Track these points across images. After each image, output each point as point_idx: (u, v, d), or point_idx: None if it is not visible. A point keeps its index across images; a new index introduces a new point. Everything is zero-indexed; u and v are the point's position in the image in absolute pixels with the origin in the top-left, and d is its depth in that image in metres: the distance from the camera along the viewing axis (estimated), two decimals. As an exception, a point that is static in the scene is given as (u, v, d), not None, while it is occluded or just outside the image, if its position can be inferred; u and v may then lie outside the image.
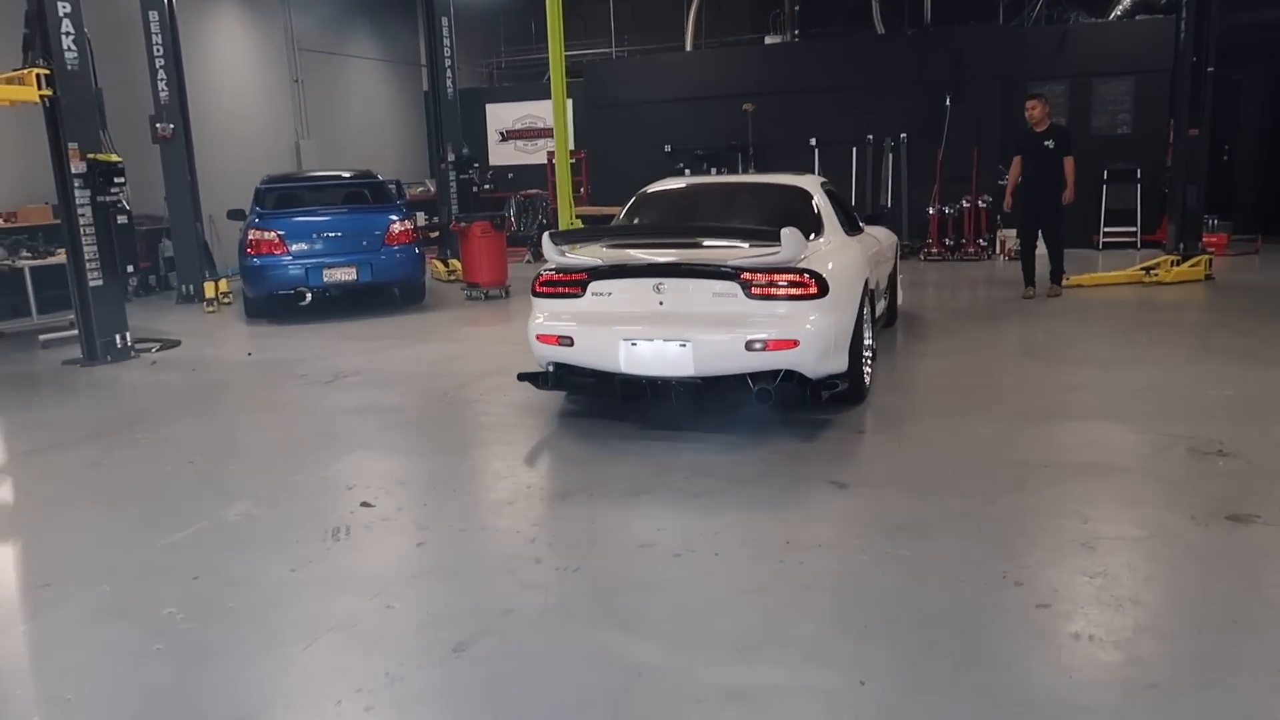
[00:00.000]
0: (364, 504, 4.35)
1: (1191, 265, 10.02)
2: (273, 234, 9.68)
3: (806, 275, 4.96)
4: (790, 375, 5.01)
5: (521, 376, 5.65)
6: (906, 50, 13.55)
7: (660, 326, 5.03)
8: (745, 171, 13.52)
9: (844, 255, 5.68)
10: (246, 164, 14.33)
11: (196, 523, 4.23)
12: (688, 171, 13.84)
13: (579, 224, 10.39)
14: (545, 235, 5.54)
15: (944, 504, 4.09)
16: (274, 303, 10.07)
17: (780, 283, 4.96)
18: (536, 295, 5.50)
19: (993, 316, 8.71)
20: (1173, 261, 10.10)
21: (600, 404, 5.82)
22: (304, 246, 9.76)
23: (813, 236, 5.59)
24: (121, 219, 8.05)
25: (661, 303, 5.11)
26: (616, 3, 19.26)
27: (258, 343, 8.87)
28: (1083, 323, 8.21)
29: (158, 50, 11.30)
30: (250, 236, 9.75)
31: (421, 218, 16.38)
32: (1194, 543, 3.62)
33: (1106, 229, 13.25)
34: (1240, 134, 14.36)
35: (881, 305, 7.16)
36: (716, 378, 5.09)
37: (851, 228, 6.55)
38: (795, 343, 4.91)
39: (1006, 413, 5.46)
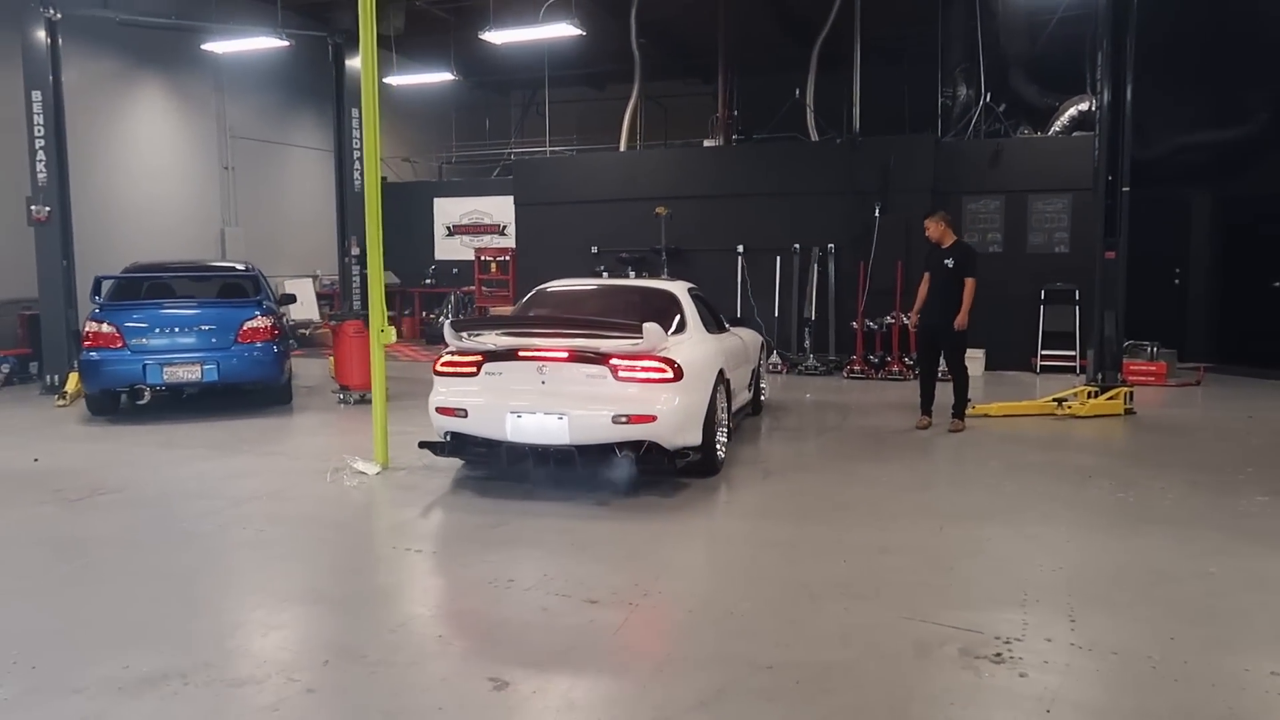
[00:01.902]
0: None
1: (1109, 399, 9.16)
2: (109, 327, 9.01)
3: (664, 362, 5.94)
4: (651, 446, 5.93)
5: (422, 444, 6.55)
6: (837, 159, 13.01)
7: (542, 402, 5.94)
8: (662, 275, 12.88)
9: (701, 348, 6.69)
10: (168, 250, 13.87)
11: None
12: (605, 274, 13.22)
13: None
14: (447, 323, 6.48)
15: None
16: (117, 399, 9.36)
17: (641, 368, 5.93)
18: (437, 374, 6.41)
19: (866, 445, 7.86)
20: (1090, 393, 9.24)
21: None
22: (143, 341, 9.05)
23: (674, 331, 6.66)
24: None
25: (544, 382, 6.05)
26: (561, 104, 19.12)
27: (66, 445, 8.12)
28: (958, 463, 7.33)
29: (38, 131, 10.89)
30: (87, 328, 9.09)
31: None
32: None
33: (1044, 352, 12.44)
34: (1191, 257, 13.63)
35: (746, 396, 8.37)
36: (589, 446, 5.95)
37: (715, 327, 7.73)
38: (654, 418, 5.83)
39: (794, 569, 4.58)
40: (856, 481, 6.68)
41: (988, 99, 13.28)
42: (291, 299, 12.53)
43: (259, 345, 9.42)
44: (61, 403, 10.19)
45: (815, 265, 12.92)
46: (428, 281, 18.46)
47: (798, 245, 13.03)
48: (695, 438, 6.17)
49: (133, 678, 3.55)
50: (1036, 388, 11.38)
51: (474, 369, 6.22)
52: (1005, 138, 13.19)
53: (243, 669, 3.62)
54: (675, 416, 5.93)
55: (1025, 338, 12.50)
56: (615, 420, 5.82)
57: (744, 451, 7.59)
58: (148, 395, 9.36)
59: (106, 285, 9.62)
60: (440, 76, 16.69)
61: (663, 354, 6.01)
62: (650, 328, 5.94)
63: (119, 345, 9.01)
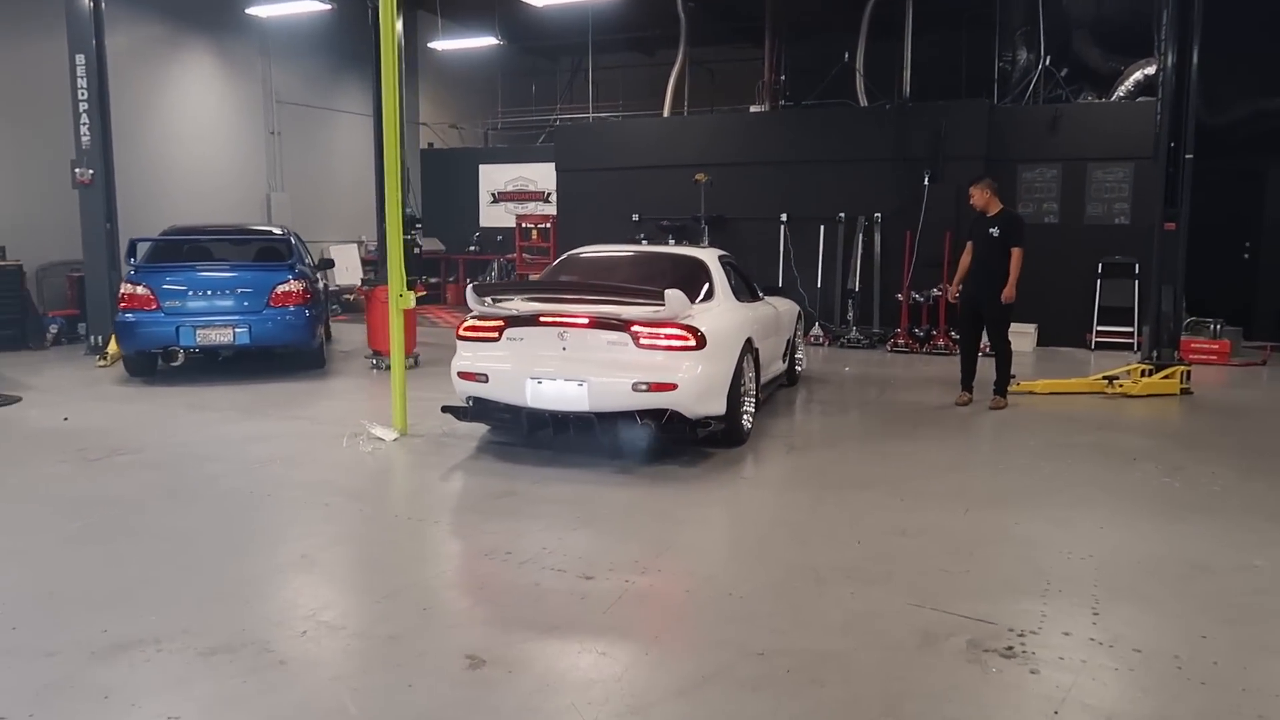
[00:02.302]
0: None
1: (1163, 377, 8.69)
2: (144, 289, 9.07)
3: (686, 330, 5.80)
4: (673, 415, 5.78)
5: (445, 409, 6.48)
6: (886, 125, 12.55)
7: (562, 368, 5.85)
8: (702, 243, 12.59)
9: (727, 316, 6.53)
10: (214, 214, 13.99)
11: None
12: (644, 241, 12.98)
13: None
14: (470, 287, 6.36)
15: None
16: (154, 361, 9.44)
17: (664, 335, 5.81)
18: (460, 339, 6.32)
19: (901, 421, 7.56)
20: (1143, 371, 8.79)
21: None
22: (177, 304, 9.10)
23: (701, 298, 6.53)
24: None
25: (565, 348, 5.96)
26: (609, 70, 18.81)
27: (98, 405, 8.20)
28: (995, 442, 7.00)
29: (82, 94, 10.97)
30: (122, 290, 9.16)
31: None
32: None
33: (1100, 328, 11.91)
34: (1264, 230, 12.92)
35: (779, 367, 8.21)
36: (609, 413, 5.84)
37: (748, 295, 7.63)
38: (674, 386, 5.71)
39: (804, 550, 4.37)
40: (884, 458, 6.41)
41: (1047, 62, 12.66)
42: (330, 264, 12.58)
43: (291, 309, 9.41)
44: (102, 363, 10.32)
45: (860, 235, 12.52)
46: (472, 249, 18.40)
47: (843, 214, 12.63)
48: (718, 407, 6.06)
49: (107, 642, 3.48)
50: (1091, 365, 10.91)
51: (496, 334, 6.16)
52: (1065, 103, 12.58)
53: (219, 637, 3.54)
54: (697, 385, 5.80)
55: (1080, 313, 11.99)
56: (635, 388, 5.71)
57: (773, 423, 7.36)
58: (181, 357, 9.44)
59: (142, 248, 9.67)
60: (484, 41, 16.51)
61: (686, 321, 5.88)
62: (673, 294, 5.82)
63: (153, 307, 9.06)
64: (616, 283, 6.54)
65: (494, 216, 18.74)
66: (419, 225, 12.96)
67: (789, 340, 8.58)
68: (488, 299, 6.35)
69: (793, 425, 7.45)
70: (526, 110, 19.67)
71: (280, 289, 9.38)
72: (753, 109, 14.32)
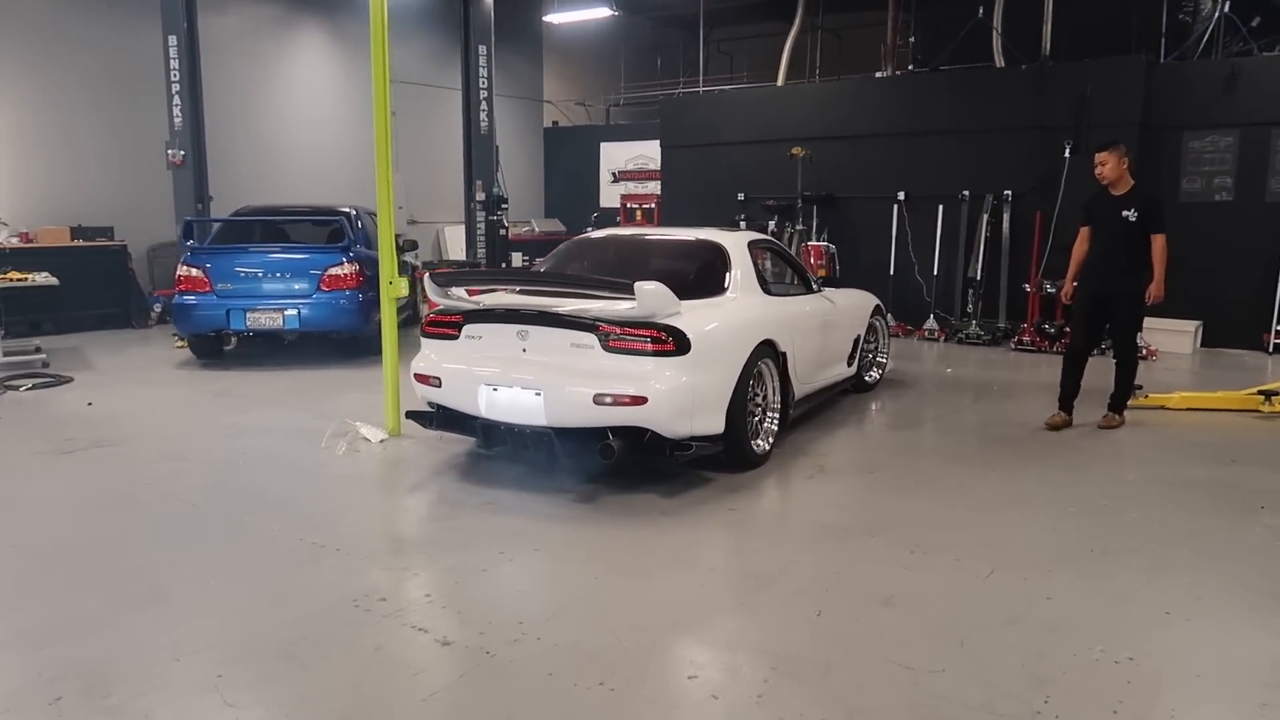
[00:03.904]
0: None
1: (1343, 395, 6.94)
2: (198, 271, 8.94)
3: (662, 331, 4.82)
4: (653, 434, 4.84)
5: (409, 414, 5.71)
6: (1022, 89, 10.92)
7: (520, 373, 4.98)
8: (797, 225, 11.42)
9: (732, 315, 5.49)
10: (323, 194, 14.03)
11: None
12: (743, 224, 11.92)
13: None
14: (426, 276, 5.59)
15: None
16: (216, 343, 9.34)
17: (636, 337, 4.83)
18: (424, 335, 5.51)
19: (972, 442, 6.30)
20: (1315, 387, 7.06)
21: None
22: (228, 287, 8.93)
23: (709, 293, 5.61)
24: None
25: (525, 350, 5.08)
26: (733, 41, 17.68)
27: (136, 388, 8.11)
28: (1084, 473, 5.61)
29: (174, 75, 11.05)
30: (178, 272, 9.08)
31: (520, 258, 15.52)
32: None
33: (1281, 328, 9.93)
34: None
35: (836, 372, 6.99)
36: (571, 430, 4.89)
37: (792, 287, 6.73)
38: (644, 400, 4.72)
39: (739, 625, 3.40)
40: (925, 491, 5.23)
41: (1226, 8, 10.62)
42: (414, 245, 12.24)
43: (344, 293, 9.06)
44: (180, 344, 10.34)
45: (986, 216, 10.96)
46: (588, 230, 17.81)
47: (967, 193, 11.11)
48: (710, 424, 5.04)
49: None
50: (1268, 372, 9.09)
51: (454, 332, 5.34)
52: (1247, 57, 10.52)
53: (25, 671, 2.99)
54: (674, 399, 4.79)
55: (1257, 309, 10.06)
56: (598, 400, 4.75)
57: (817, 440, 6.28)
58: (234, 341, 9.30)
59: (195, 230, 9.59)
60: (598, 12, 15.79)
61: (668, 320, 4.88)
62: (647, 288, 4.82)
63: (205, 290, 8.93)
64: (587, 275, 5.77)
65: (614, 196, 18.05)
66: (505, 206, 12.50)
67: (857, 339, 7.38)
68: (453, 291, 5.50)
69: (837, 442, 6.30)
70: (651, 85, 18.87)
71: (332, 272, 9.04)
72: (877, 75, 12.93)
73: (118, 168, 12.49)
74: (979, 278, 10.95)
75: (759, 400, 5.59)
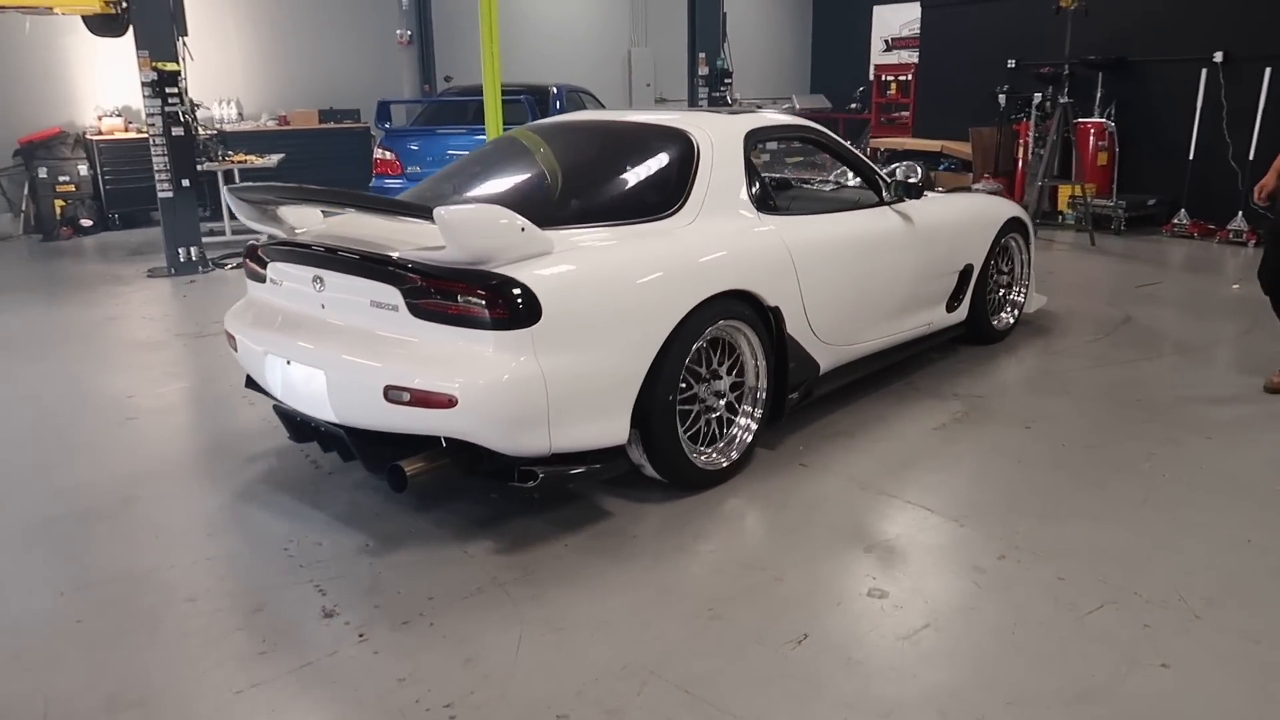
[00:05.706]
0: None
1: None
2: (390, 153, 8.97)
3: (489, 289, 2.95)
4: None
5: (249, 384, 3.90)
6: None
7: (306, 341, 3.37)
8: (1062, 96, 9.30)
9: (666, 252, 3.49)
10: (570, 74, 13.76)
11: None
12: (1004, 98, 10.00)
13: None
14: (226, 189, 4.43)
15: None
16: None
17: (448, 297, 3.01)
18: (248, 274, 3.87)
19: (1107, 419, 4.67)
20: None
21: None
22: (418, 169, 8.87)
23: (658, 212, 3.66)
24: (177, 130, 7.89)
25: (323, 305, 3.39)
26: None
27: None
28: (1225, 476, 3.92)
29: (398, -45, 11.07)
30: (375, 155, 9.17)
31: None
32: None
33: None
34: None
35: (927, 319, 4.95)
36: (367, 432, 3.22)
37: (834, 198, 5.09)
38: (452, 400, 2.93)
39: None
40: (936, 512, 3.87)
41: None
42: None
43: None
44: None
45: (1335, 82, 8.29)
46: (853, 105, 16.18)
47: (1310, 49, 8.46)
48: (594, 434, 3.21)
49: None
50: None
51: (262, 272, 3.71)
52: None
53: None
54: (505, 397, 2.97)
55: None
56: (389, 395, 3.03)
57: (860, 420, 4.40)
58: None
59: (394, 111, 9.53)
60: None
61: (504, 270, 3.02)
62: (455, 214, 2.96)
63: (396, 172, 8.95)
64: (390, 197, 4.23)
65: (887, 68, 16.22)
66: (729, 81, 11.44)
67: (966, 271, 5.15)
68: (281, 211, 3.75)
69: (881, 426, 4.34)
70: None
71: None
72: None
73: (359, 51, 12.87)
74: None
75: (717, 389, 3.68)
